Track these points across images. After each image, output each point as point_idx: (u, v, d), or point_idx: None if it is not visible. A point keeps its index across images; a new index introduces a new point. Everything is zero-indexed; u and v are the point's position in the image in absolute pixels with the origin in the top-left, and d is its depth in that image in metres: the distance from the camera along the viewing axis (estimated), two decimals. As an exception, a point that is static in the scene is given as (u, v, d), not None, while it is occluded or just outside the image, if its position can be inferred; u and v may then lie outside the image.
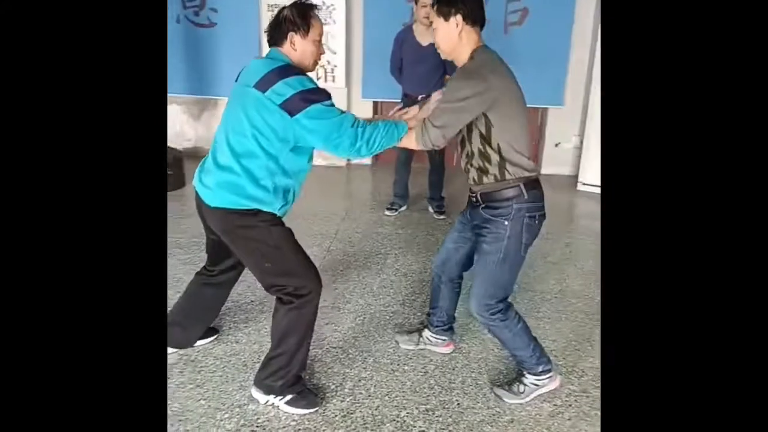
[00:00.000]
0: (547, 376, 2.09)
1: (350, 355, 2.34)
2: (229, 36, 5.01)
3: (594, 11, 4.68)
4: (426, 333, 2.39)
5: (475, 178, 1.92)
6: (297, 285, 1.89)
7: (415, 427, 1.96)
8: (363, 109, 5.07)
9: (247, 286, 2.87)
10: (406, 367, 2.29)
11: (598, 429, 1.97)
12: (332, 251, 3.40)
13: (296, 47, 1.83)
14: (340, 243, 3.53)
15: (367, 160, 5.30)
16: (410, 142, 1.87)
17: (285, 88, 1.70)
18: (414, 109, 2.02)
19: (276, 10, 1.90)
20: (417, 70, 3.70)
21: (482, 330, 2.55)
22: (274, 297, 1.95)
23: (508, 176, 1.84)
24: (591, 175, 4.57)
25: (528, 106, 1.96)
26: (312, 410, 1.99)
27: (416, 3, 3.63)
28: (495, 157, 1.84)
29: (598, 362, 2.33)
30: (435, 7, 1.84)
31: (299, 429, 1.92)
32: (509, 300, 2.04)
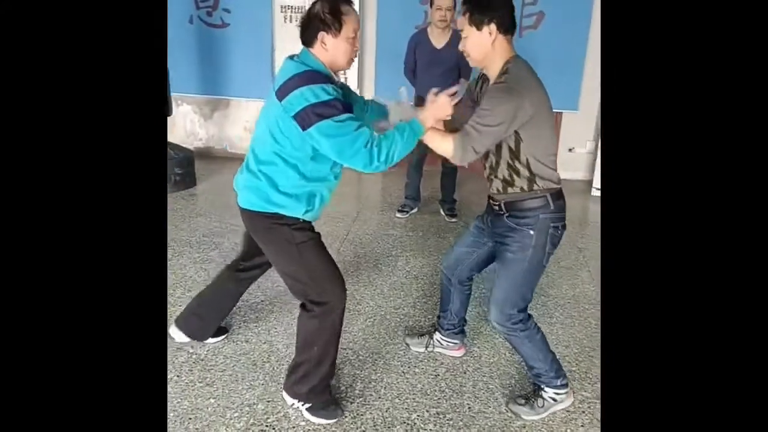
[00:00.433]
0: (565, 391, 2.03)
1: (360, 357, 2.32)
2: (242, 37, 5.03)
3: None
4: (436, 336, 2.37)
5: (500, 188, 1.87)
6: (318, 292, 1.85)
7: (425, 429, 1.94)
8: (375, 112, 5.06)
9: (257, 286, 2.85)
10: (416, 370, 2.26)
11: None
12: (342, 253, 3.38)
13: (327, 47, 1.70)
14: (351, 245, 3.52)
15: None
16: (445, 151, 1.76)
17: (298, 99, 1.61)
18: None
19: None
20: (431, 73, 3.68)
21: (494, 334, 2.53)
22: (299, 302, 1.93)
23: (535, 188, 1.81)
24: (604, 180, 4.52)
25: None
26: (330, 421, 1.93)
27: (431, 5, 3.61)
28: (524, 172, 1.79)
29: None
30: (467, 15, 1.74)
31: (308, 430, 1.90)
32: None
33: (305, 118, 1.61)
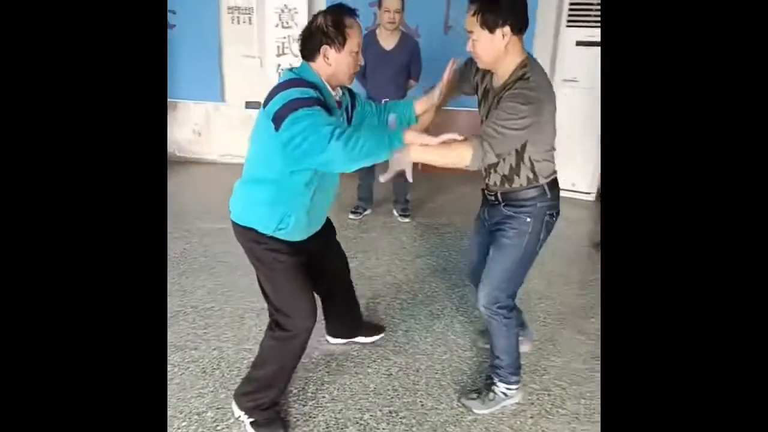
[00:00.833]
0: (516, 386, 2.06)
1: (313, 359, 2.31)
2: (188, 38, 4.91)
3: (554, 15, 4.74)
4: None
5: (497, 182, 1.87)
6: (282, 316, 1.81)
7: (378, 429, 1.94)
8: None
9: (207, 292, 2.81)
10: (369, 370, 2.26)
11: (560, 427, 1.99)
12: (295, 255, 3.35)
13: (330, 61, 1.63)
14: (304, 247, 3.49)
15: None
16: (462, 161, 1.61)
17: (278, 100, 1.55)
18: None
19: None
20: (381, 74, 3.69)
21: (446, 332, 2.56)
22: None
23: (534, 183, 1.81)
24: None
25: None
26: None
27: (380, 7, 3.63)
28: (526, 171, 1.79)
29: (560, 361, 2.36)
30: (478, 16, 1.63)
31: (260, 435, 1.88)
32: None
33: (280, 113, 1.53)
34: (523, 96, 1.60)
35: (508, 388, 2.05)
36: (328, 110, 1.60)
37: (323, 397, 2.09)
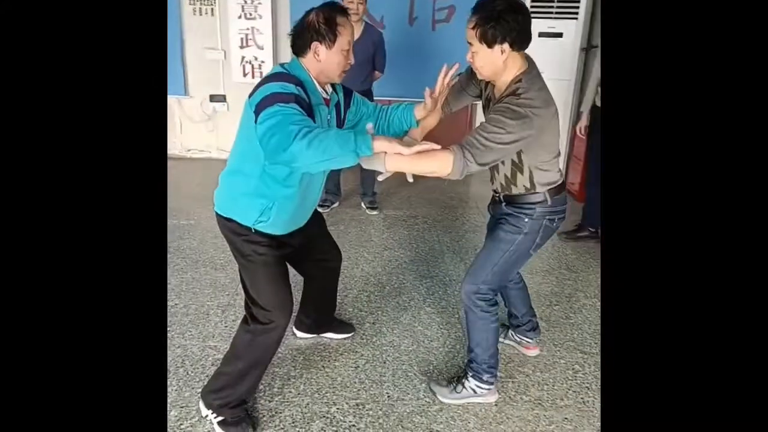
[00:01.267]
0: (488, 387, 2.03)
1: (280, 354, 2.29)
2: (150, 30, 4.80)
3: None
4: (511, 332, 2.37)
5: (498, 188, 1.90)
6: (258, 309, 1.80)
7: (344, 422, 1.94)
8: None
9: (170, 289, 2.76)
10: (336, 363, 2.26)
11: (524, 413, 2.03)
12: (262, 250, 3.32)
13: (320, 58, 1.64)
14: (271, 241, 3.46)
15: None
16: (442, 170, 1.57)
17: (262, 91, 1.55)
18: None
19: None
20: (345, 65, 3.67)
21: (414, 323, 2.57)
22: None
23: (535, 189, 1.81)
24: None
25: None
26: None
27: (342, -1, 3.60)
28: (523, 181, 1.80)
29: (521, 347, 2.39)
30: (477, 30, 1.59)
31: (225, 432, 1.86)
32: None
33: (259, 106, 1.53)
34: (511, 111, 1.58)
35: (478, 386, 2.02)
36: (309, 107, 1.60)
37: (290, 392, 2.08)
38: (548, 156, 1.78)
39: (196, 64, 4.93)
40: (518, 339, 2.36)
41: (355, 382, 2.15)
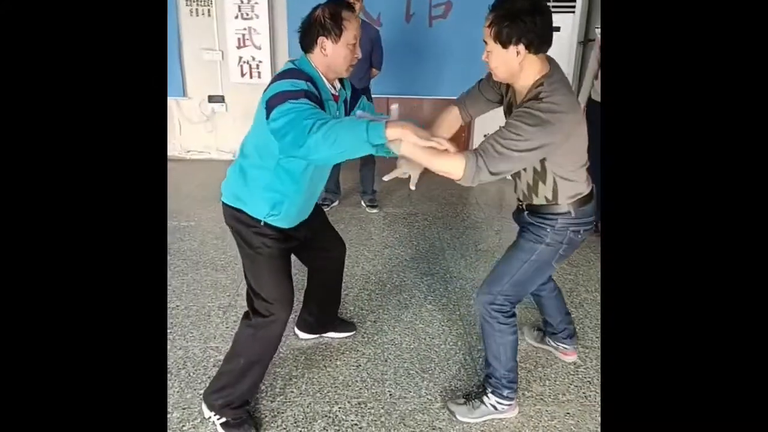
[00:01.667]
0: (509, 402, 1.94)
1: (281, 354, 2.30)
2: (147, 32, 4.80)
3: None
4: (548, 338, 2.35)
5: (520, 196, 1.83)
6: (260, 301, 1.82)
7: (347, 421, 1.95)
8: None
9: (171, 291, 2.76)
10: (338, 363, 2.26)
11: (525, 408, 2.03)
12: (262, 250, 3.32)
13: (327, 53, 1.66)
14: (271, 241, 3.46)
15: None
16: (453, 173, 1.51)
17: (274, 88, 1.57)
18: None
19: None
20: (342, 63, 3.66)
21: (415, 320, 2.57)
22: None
23: (553, 200, 1.72)
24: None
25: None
26: None
27: (338, -4, 3.59)
28: (545, 191, 1.70)
29: (524, 344, 2.39)
30: (492, 29, 1.52)
31: (227, 433, 1.87)
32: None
33: (270, 103, 1.54)
34: (531, 116, 1.48)
35: (499, 402, 1.92)
36: (320, 103, 1.61)
37: (291, 392, 2.09)
38: (574, 165, 1.67)
39: (193, 65, 4.94)
40: (555, 345, 2.32)
41: (356, 381, 2.15)
